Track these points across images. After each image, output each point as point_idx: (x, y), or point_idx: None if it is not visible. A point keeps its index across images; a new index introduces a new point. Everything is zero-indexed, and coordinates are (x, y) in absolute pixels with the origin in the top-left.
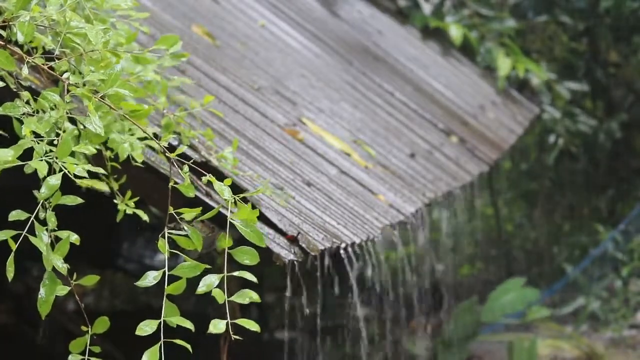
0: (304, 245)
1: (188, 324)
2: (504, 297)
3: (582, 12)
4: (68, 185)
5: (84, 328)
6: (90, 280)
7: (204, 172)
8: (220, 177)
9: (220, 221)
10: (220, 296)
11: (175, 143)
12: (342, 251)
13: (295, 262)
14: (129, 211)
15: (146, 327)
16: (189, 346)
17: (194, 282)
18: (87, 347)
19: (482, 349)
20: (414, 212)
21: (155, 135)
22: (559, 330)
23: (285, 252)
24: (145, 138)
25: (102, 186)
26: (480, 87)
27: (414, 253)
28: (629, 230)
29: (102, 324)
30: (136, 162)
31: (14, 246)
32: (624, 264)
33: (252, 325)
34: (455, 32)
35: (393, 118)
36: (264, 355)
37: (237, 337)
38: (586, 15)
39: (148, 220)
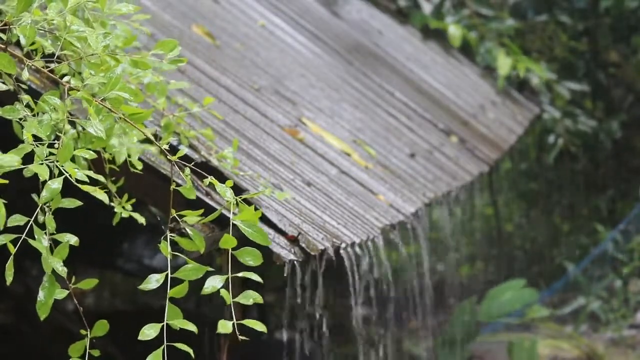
0: (304, 245)
1: (191, 327)
2: (502, 297)
3: (582, 12)
4: (67, 186)
5: (83, 332)
6: (89, 283)
7: (204, 172)
8: (221, 177)
9: (220, 221)
10: (227, 297)
11: (175, 143)
12: (342, 251)
13: (295, 262)
14: (126, 214)
15: (149, 331)
16: (191, 350)
17: (193, 282)
18: (87, 350)
19: (482, 349)
20: (414, 212)
21: (155, 136)
22: (559, 330)
23: (286, 252)
24: (146, 140)
25: (101, 194)
26: (480, 87)
27: (413, 253)
28: (629, 230)
29: (101, 327)
30: (135, 168)
31: (13, 250)
32: (624, 264)
33: (259, 326)
34: (455, 32)
35: (393, 118)
36: (262, 355)
37: (243, 337)
38: (586, 15)
39: (145, 224)
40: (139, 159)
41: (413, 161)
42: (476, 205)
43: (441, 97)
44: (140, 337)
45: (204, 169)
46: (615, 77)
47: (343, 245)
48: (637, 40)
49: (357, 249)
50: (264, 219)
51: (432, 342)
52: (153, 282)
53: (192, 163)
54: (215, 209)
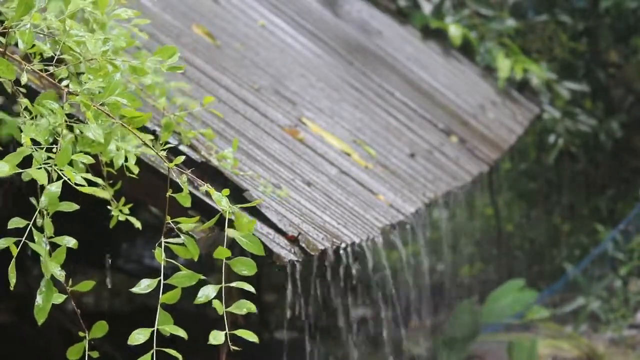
0: (304, 245)
1: (181, 333)
2: (503, 300)
3: (582, 12)
4: (65, 187)
5: (81, 334)
6: (87, 286)
7: (204, 172)
8: (220, 177)
9: (220, 222)
10: (219, 307)
11: (175, 143)
12: (342, 251)
13: (295, 262)
14: (122, 217)
15: (139, 336)
16: (180, 357)
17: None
18: (86, 352)
19: (482, 349)
20: (414, 212)
21: (155, 136)
22: (559, 330)
23: (286, 253)
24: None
25: (102, 193)
26: (480, 87)
27: (413, 253)
28: (629, 230)
29: (100, 329)
30: (132, 173)
31: (15, 252)
32: (623, 264)
33: (251, 336)
34: (455, 32)
35: (393, 118)
36: (263, 354)
37: (235, 347)
38: (586, 15)
39: (140, 228)
40: (139, 159)
41: (413, 161)
42: (476, 205)
43: (441, 97)
44: (129, 342)
45: (204, 169)
46: (615, 77)
47: (343, 245)
48: (637, 40)
49: (357, 249)
50: (264, 219)
51: (432, 342)
52: (144, 286)
53: (191, 170)
54: (215, 209)
